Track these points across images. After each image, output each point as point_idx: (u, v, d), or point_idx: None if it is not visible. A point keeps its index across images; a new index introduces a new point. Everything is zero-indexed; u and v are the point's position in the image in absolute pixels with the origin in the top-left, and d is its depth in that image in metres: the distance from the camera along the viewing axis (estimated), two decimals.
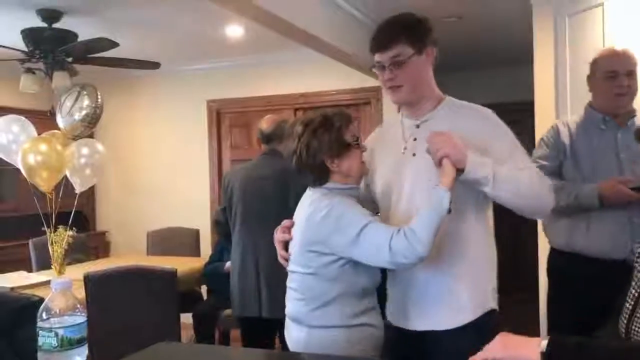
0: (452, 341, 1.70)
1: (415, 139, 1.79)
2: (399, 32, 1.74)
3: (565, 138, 2.40)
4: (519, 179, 1.66)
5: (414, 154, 1.78)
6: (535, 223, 3.11)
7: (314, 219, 1.72)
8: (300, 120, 1.85)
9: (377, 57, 1.76)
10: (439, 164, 1.63)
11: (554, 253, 2.51)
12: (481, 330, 1.63)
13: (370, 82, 5.03)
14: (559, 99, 3.52)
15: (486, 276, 1.79)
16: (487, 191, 1.65)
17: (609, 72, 2.31)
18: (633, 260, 1.71)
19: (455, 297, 1.72)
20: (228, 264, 3.74)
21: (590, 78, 2.41)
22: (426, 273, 1.72)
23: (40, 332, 1.23)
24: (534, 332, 3.41)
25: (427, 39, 1.76)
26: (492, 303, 1.78)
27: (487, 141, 1.71)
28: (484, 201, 1.76)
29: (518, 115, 5.55)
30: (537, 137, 3.34)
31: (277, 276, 2.10)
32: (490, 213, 1.83)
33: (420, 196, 1.70)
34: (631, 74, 2.31)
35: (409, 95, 1.77)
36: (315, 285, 1.75)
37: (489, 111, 1.81)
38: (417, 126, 1.81)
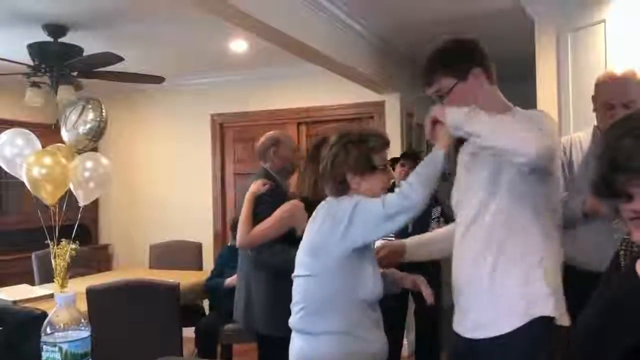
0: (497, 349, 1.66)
1: (472, 153, 1.79)
2: (436, 67, 1.78)
3: (565, 153, 2.42)
4: (498, 120, 1.62)
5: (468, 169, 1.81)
6: None
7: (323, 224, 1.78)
8: (338, 130, 1.88)
9: (427, 91, 1.82)
10: (430, 133, 1.70)
11: None
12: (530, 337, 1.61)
13: (373, 96, 5.07)
14: (561, 116, 3.52)
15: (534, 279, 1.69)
16: (467, 130, 1.62)
17: (606, 102, 2.27)
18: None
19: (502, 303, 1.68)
20: (229, 279, 3.76)
21: (593, 99, 2.41)
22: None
23: (44, 346, 1.23)
24: None
25: (469, 63, 1.76)
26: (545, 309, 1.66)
27: None
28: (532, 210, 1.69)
29: None
30: None
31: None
32: (546, 220, 1.72)
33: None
34: (631, 104, 2.24)
35: None
36: (316, 289, 1.77)
37: (536, 112, 1.79)
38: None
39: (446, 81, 1.75)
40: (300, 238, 1.88)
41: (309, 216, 1.99)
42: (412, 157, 4.09)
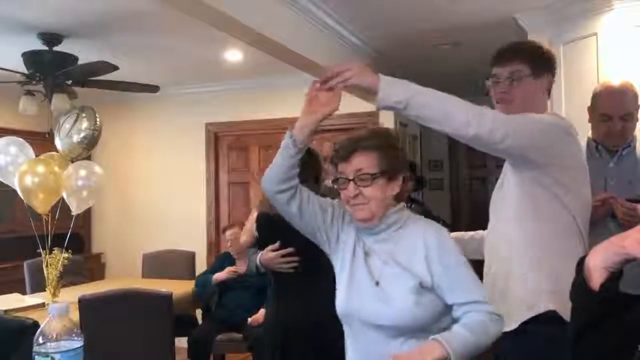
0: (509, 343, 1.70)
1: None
2: (522, 51, 1.85)
3: None
4: (440, 104, 1.59)
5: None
6: None
7: None
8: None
9: (495, 70, 1.86)
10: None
11: None
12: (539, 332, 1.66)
13: (366, 106, 5.08)
14: None
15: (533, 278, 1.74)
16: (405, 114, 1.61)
17: (603, 114, 2.29)
18: None
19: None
20: (217, 274, 3.90)
21: (589, 110, 2.42)
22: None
23: (36, 357, 1.22)
24: None
25: (547, 67, 1.86)
26: (550, 305, 1.70)
27: None
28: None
29: None
30: None
31: None
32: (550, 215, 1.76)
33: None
34: (627, 116, 2.26)
35: (517, 111, 1.78)
36: None
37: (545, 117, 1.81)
38: None
39: (524, 68, 1.81)
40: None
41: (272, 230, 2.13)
42: (409, 167, 4.10)
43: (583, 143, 2.44)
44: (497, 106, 1.87)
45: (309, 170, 2.31)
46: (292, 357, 2.35)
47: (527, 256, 1.75)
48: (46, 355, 1.21)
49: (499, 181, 1.92)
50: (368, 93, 1.57)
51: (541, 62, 1.85)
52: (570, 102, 3.40)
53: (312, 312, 2.24)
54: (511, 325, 1.69)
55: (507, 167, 1.84)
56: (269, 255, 2.42)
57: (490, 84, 1.88)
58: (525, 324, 1.71)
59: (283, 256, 2.40)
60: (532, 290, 1.72)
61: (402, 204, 1.63)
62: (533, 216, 1.75)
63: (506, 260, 1.79)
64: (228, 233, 4.09)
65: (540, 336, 1.67)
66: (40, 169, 3.75)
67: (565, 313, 1.62)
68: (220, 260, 4.20)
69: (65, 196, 3.86)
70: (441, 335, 1.43)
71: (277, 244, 2.42)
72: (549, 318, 1.67)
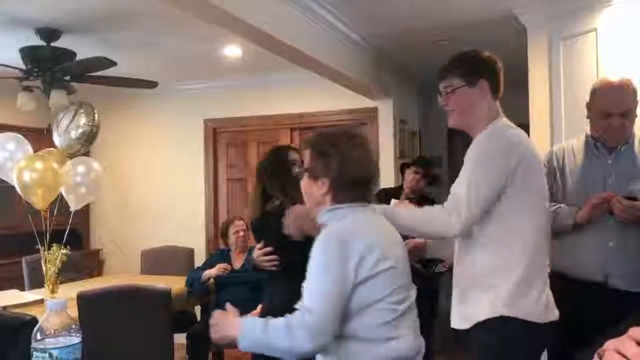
0: (468, 339, 1.91)
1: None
2: (452, 67, 2.01)
3: (558, 161, 2.42)
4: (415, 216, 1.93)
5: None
6: None
7: None
8: None
9: (439, 84, 2.03)
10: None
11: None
12: (492, 333, 1.82)
13: (366, 102, 5.08)
14: (554, 122, 3.54)
15: (497, 284, 1.87)
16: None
17: (602, 111, 2.28)
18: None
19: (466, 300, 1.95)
20: (207, 271, 3.89)
21: (587, 106, 2.40)
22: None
23: (34, 353, 1.22)
24: None
25: (481, 73, 1.98)
26: (503, 310, 1.84)
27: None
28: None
29: None
30: None
31: None
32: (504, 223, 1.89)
33: None
34: (626, 113, 2.26)
35: (458, 119, 2.01)
36: None
37: (484, 138, 1.94)
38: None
39: (456, 81, 1.98)
40: None
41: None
42: (425, 164, 4.08)
43: (582, 140, 2.44)
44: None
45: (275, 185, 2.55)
46: None
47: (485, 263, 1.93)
48: (44, 351, 1.21)
49: None
50: None
51: (473, 71, 1.98)
52: (570, 97, 3.40)
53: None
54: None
55: None
56: (254, 253, 2.57)
57: (439, 96, 2.06)
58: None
59: (265, 255, 2.52)
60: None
61: (339, 205, 1.61)
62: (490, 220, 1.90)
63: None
64: (238, 223, 4.07)
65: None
66: (39, 165, 3.74)
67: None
68: (215, 257, 4.17)
69: (63, 192, 3.85)
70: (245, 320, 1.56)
71: (261, 244, 2.54)
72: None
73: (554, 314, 1.91)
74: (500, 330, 1.83)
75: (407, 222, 1.84)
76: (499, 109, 2.02)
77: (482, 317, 1.85)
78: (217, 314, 1.60)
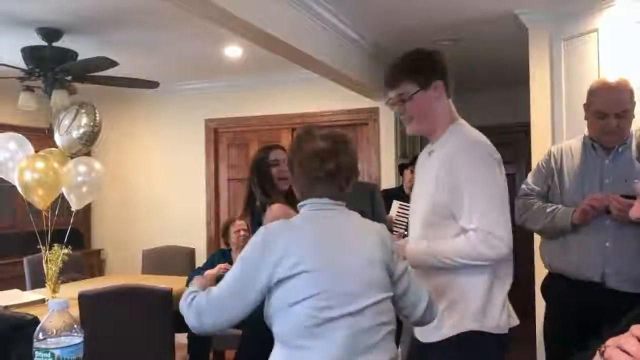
0: (435, 354, 1.80)
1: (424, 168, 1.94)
2: (402, 72, 1.87)
3: (556, 162, 2.43)
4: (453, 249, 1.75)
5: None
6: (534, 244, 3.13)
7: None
8: None
9: (388, 92, 1.90)
10: None
11: (547, 273, 2.55)
12: (461, 348, 1.73)
13: (367, 103, 5.08)
14: (554, 121, 3.55)
15: (464, 298, 1.77)
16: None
17: (599, 112, 2.28)
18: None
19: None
20: (208, 270, 3.80)
21: (585, 107, 2.40)
22: None
23: (36, 352, 1.22)
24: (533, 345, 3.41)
25: (433, 75, 1.85)
26: (472, 324, 1.75)
27: (454, 181, 1.76)
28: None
29: (516, 137, 5.60)
30: (533, 159, 3.39)
31: None
32: None
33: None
34: (623, 114, 2.26)
35: (419, 126, 1.90)
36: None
37: (468, 145, 1.80)
38: (429, 154, 1.92)
39: (410, 87, 1.85)
40: None
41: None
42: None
43: (580, 141, 2.44)
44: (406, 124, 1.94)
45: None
46: None
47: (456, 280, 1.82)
48: (46, 350, 1.21)
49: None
50: None
51: (425, 74, 1.85)
52: (571, 97, 3.40)
53: None
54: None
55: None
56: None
57: (388, 106, 1.94)
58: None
59: None
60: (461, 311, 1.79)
61: (302, 202, 1.63)
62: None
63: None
64: (238, 223, 4.07)
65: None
66: (40, 165, 3.74)
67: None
68: (216, 257, 4.17)
69: (65, 192, 3.85)
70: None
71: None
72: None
73: (515, 320, 1.84)
74: (470, 345, 1.74)
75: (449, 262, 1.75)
76: (453, 107, 1.92)
77: (452, 332, 1.75)
78: None
